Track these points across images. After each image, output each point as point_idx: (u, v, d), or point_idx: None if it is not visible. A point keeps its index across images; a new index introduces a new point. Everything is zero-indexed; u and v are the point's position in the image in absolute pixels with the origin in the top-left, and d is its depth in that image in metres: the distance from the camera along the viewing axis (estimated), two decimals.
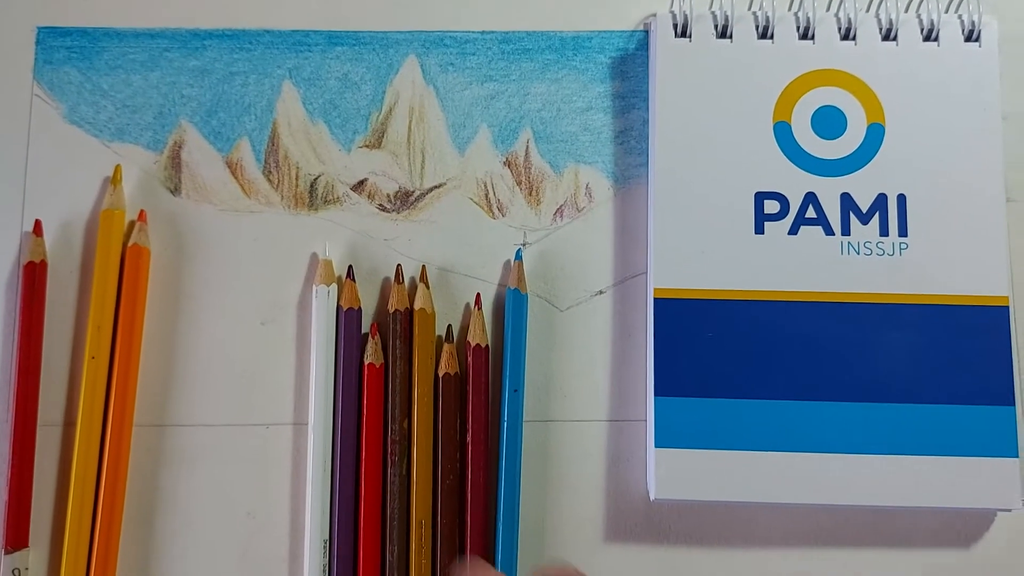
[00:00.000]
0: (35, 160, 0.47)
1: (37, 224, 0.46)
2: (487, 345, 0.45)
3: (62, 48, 0.48)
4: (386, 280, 0.46)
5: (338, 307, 0.45)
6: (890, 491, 0.43)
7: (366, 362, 0.44)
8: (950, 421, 0.43)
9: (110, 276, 0.45)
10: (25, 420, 0.44)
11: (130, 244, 0.45)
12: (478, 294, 0.46)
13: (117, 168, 0.47)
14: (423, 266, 0.46)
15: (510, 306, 0.45)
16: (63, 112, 0.47)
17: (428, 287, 0.46)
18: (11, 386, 0.44)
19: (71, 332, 0.46)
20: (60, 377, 0.45)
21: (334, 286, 0.45)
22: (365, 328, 0.45)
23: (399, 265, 0.46)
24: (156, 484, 0.45)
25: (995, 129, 0.45)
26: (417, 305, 0.45)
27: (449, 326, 0.45)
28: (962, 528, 0.45)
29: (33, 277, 0.45)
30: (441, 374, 0.44)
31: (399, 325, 0.45)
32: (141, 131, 0.47)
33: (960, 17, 0.47)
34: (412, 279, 0.46)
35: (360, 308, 0.45)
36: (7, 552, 0.43)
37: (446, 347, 0.45)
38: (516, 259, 0.46)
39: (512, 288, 0.45)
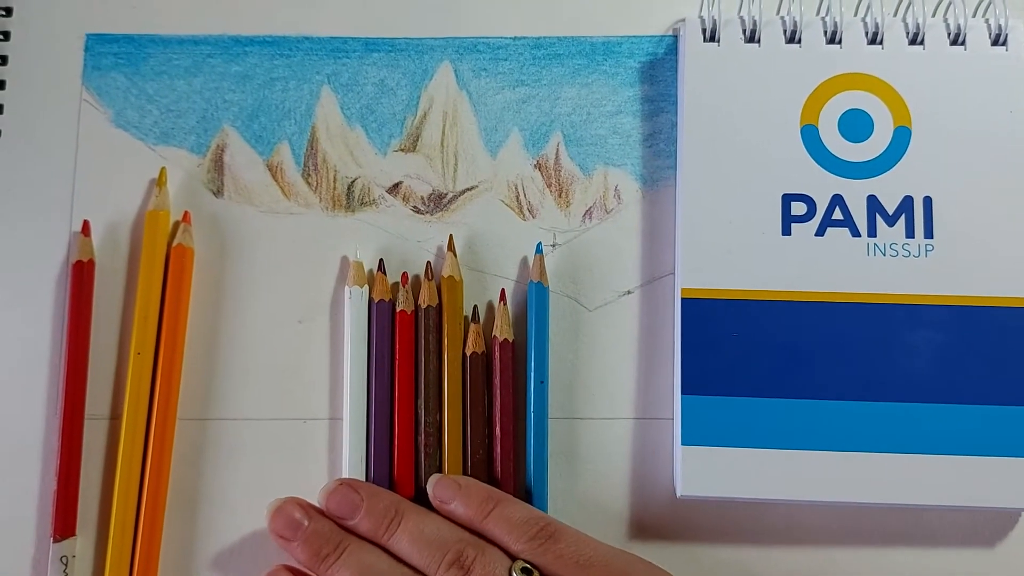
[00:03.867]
0: (84, 163, 0.49)
1: (85, 224, 0.47)
2: (513, 340, 0.46)
3: (110, 54, 0.50)
4: (416, 278, 0.47)
5: (370, 299, 0.46)
6: (914, 490, 0.43)
7: (397, 310, 0.46)
8: (975, 421, 0.43)
9: (155, 275, 0.46)
10: (73, 413, 0.45)
11: (174, 244, 0.47)
12: (503, 289, 0.47)
13: (162, 171, 0.48)
14: (450, 235, 0.47)
15: (532, 299, 0.46)
16: (110, 117, 0.49)
17: (455, 255, 0.47)
18: (60, 381, 0.46)
19: (117, 329, 0.47)
20: (107, 372, 0.47)
21: (366, 287, 0.46)
22: None
23: (428, 262, 0.47)
24: (198, 475, 0.46)
25: (1021, 132, 0.46)
26: (445, 273, 0.46)
27: (476, 306, 0.46)
28: (987, 528, 0.45)
29: (81, 276, 0.46)
30: (469, 353, 0.45)
31: (430, 321, 0.46)
32: (185, 135, 0.49)
33: (987, 21, 0.47)
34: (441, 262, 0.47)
35: (392, 300, 0.46)
36: (56, 540, 0.44)
37: (472, 327, 0.46)
38: (537, 253, 0.47)
39: (535, 281, 0.46)
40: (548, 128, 0.49)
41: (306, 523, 0.42)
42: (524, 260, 0.47)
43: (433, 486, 0.43)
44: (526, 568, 0.40)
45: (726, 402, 0.44)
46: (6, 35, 0.50)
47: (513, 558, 0.40)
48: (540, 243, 0.47)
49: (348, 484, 0.43)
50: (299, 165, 0.49)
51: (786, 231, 0.45)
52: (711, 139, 0.46)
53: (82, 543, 0.45)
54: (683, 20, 0.48)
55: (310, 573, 0.42)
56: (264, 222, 0.48)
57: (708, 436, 0.44)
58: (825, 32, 0.47)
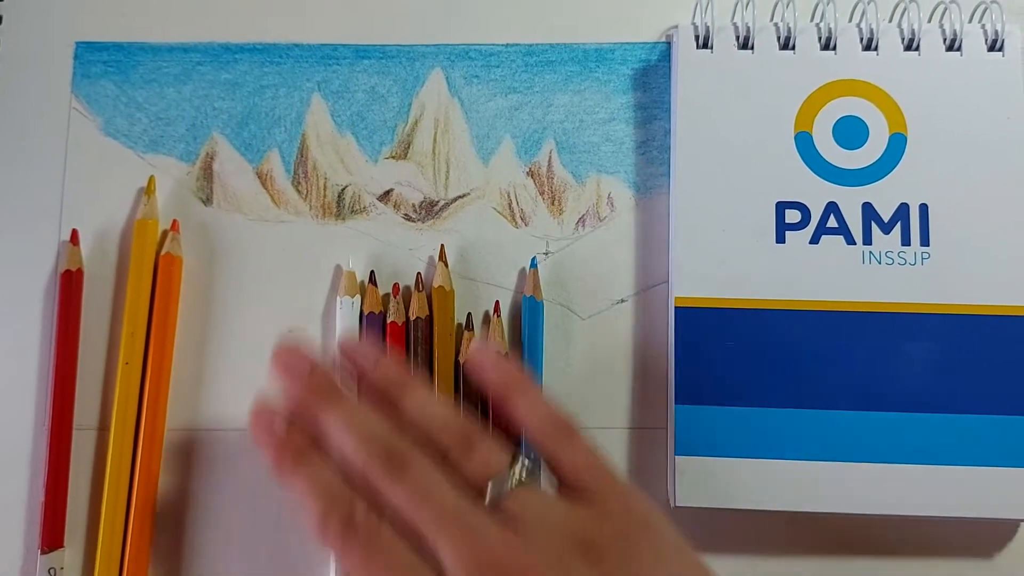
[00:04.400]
0: (73, 171, 0.48)
1: (74, 233, 0.47)
2: (507, 352, 0.45)
3: (99, 62, 0.49)
4: (407, 289, 0.47)
5: (360, 311, 0.46)
6: (912, 501, 0.43)
7: (388, 321, 0.45)
8: (973, 431, 0.43)
9: (144, 284, 0.46)
10: (61, 424, 0.45)
11: (163, 253, 0.46)
12: (496, 302, 0.46)
13: (151, 179, 0.48)
14: (442, 245, 0.47)
15: (526, 313, 0.46)
16: (100, 125, 0.49)
17: (447, 265, 0.46)
18: (48, 391, 0.45)
19: (106, 338, 0.47)
20: (95, 382, 0.46)
21: (358, 297, 0.46)
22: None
23: (419, 273, 0.47)
24: (187, 486, 0.46)
25: (1018, 138, 0.45)
26: (436, 283, 0.46)
27: (469, 314, 0.46)
28: (985, 538, 0.44)
29: (70, 285, 0.46)
30: (463, 361, 0.45)
31: (420, 332, 0.45)
32: (174, 143, 0.49)
33: (983, 27, 0.46)
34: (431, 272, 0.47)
35: (383, 311, 0.46)
36: (43, 552, 0.44)
37: (467, 334, 0.45)
38: (531, 267, 0.47)
39: (528, 295, 0.46)
40: (540, 135, 0.48)
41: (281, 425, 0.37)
42: (516, 269, 0.47)
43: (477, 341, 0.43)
44: (531, 464, 0.36)
45: (721, 412, 0.44)
46: None
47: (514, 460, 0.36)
48: (535, 257, 0.47)
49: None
50: (289, 173, 0.48)
51: (780, 239, 0.45)
52: (704, 146, 0.46)
53: (70, 554, 0.45)
54: (676, 27, 0.48)
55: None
56: (254, 230, 0.48)
57: (703, 446, 0.43)
58: (819, 38, 0.47)
